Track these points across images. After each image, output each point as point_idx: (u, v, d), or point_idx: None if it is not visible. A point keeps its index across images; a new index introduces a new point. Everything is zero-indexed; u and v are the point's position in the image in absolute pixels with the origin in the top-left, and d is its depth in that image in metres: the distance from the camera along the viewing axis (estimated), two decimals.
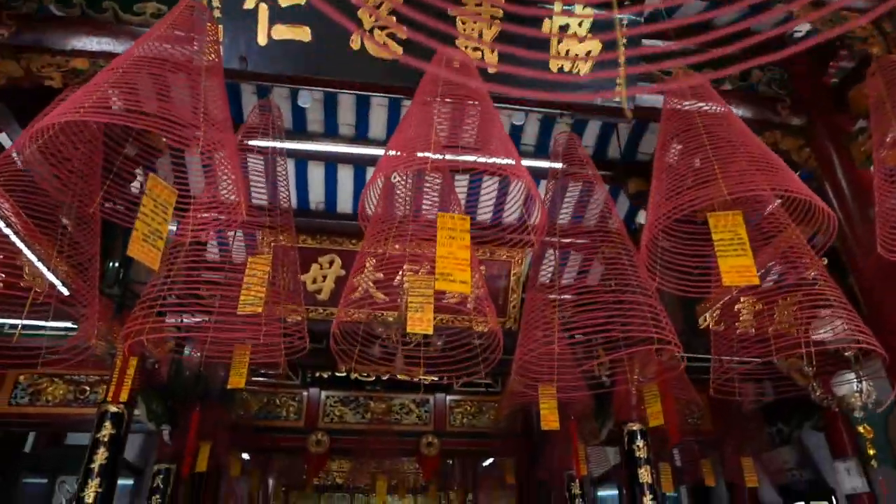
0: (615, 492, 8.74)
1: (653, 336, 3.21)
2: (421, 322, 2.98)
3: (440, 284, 2.36)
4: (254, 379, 9.12)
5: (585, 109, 4.08)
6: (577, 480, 7.72)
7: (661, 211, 2.57)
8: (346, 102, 4.98)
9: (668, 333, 3.10)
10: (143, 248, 2.24)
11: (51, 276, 3.09)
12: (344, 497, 15.62)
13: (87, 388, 7.52)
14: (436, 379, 9.19)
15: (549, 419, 4.29)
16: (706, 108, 2.86)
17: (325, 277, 6.09)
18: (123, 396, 4.26)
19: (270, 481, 11.23)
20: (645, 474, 5.92)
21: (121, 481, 8.60)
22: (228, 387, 4.14)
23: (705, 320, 5.55)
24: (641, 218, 5.61)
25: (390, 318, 5.12)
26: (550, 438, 7.17)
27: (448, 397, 9.41)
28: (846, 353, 4.16)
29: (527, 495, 9.30)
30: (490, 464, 9.78)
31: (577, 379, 4.93)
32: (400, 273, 5.13)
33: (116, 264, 5.76)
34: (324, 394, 9.19)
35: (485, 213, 5.28)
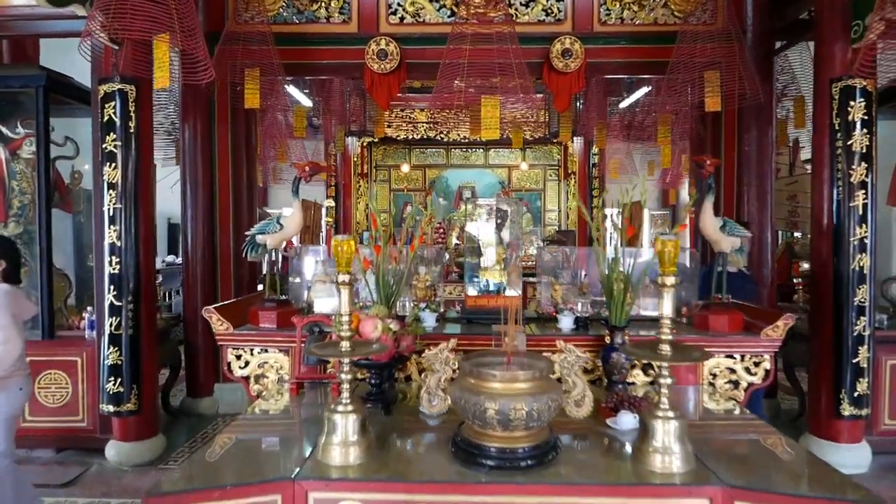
0: None
1: None
2: None
3: None
4: None
5: None
6: (857, 99, 4.07)
7: None
8: None
9: None
10: None
11: None
12: (438, 152, 13.02)
13: None
14: None
15: None
16: None
17: None
18: None
19: (333, 128, 8.27)
20: None
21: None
22: None
23: None
24: None
25: None
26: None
27: None
28: None
29: (732, 137, 5.89)
30: (660, 84, 6.09)
31: None
32: None
33: None
34: None
35: None
